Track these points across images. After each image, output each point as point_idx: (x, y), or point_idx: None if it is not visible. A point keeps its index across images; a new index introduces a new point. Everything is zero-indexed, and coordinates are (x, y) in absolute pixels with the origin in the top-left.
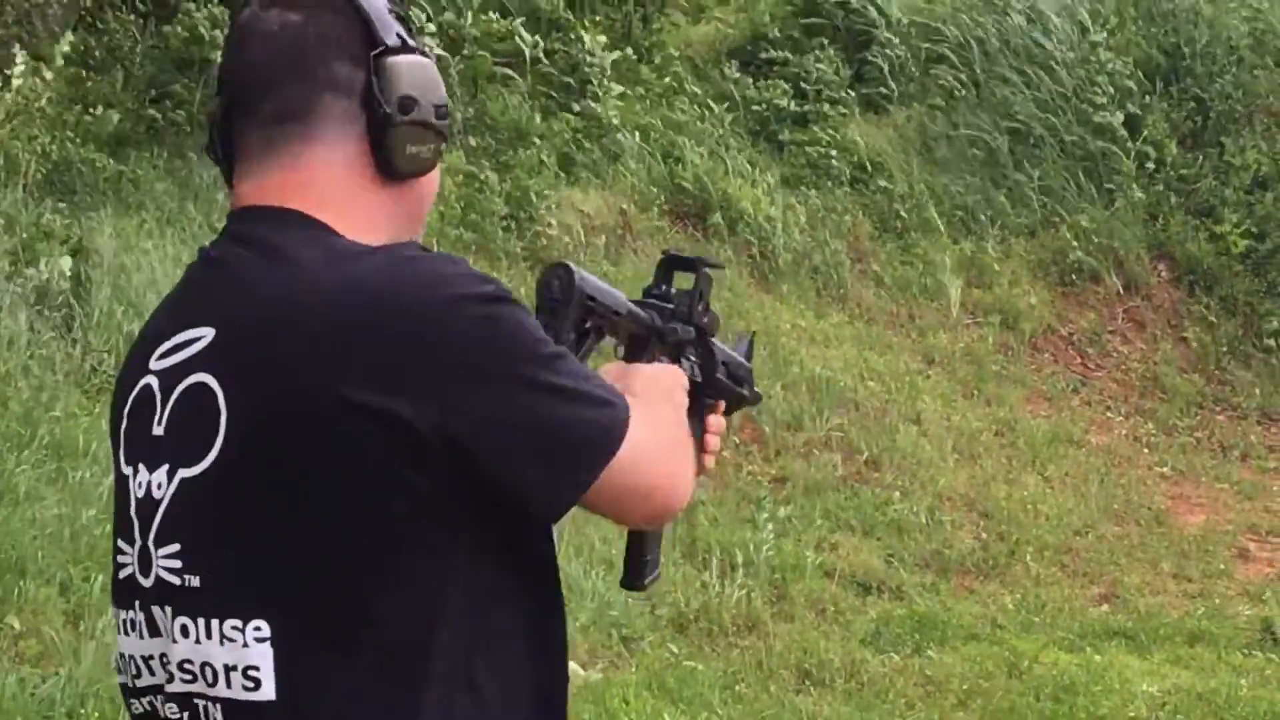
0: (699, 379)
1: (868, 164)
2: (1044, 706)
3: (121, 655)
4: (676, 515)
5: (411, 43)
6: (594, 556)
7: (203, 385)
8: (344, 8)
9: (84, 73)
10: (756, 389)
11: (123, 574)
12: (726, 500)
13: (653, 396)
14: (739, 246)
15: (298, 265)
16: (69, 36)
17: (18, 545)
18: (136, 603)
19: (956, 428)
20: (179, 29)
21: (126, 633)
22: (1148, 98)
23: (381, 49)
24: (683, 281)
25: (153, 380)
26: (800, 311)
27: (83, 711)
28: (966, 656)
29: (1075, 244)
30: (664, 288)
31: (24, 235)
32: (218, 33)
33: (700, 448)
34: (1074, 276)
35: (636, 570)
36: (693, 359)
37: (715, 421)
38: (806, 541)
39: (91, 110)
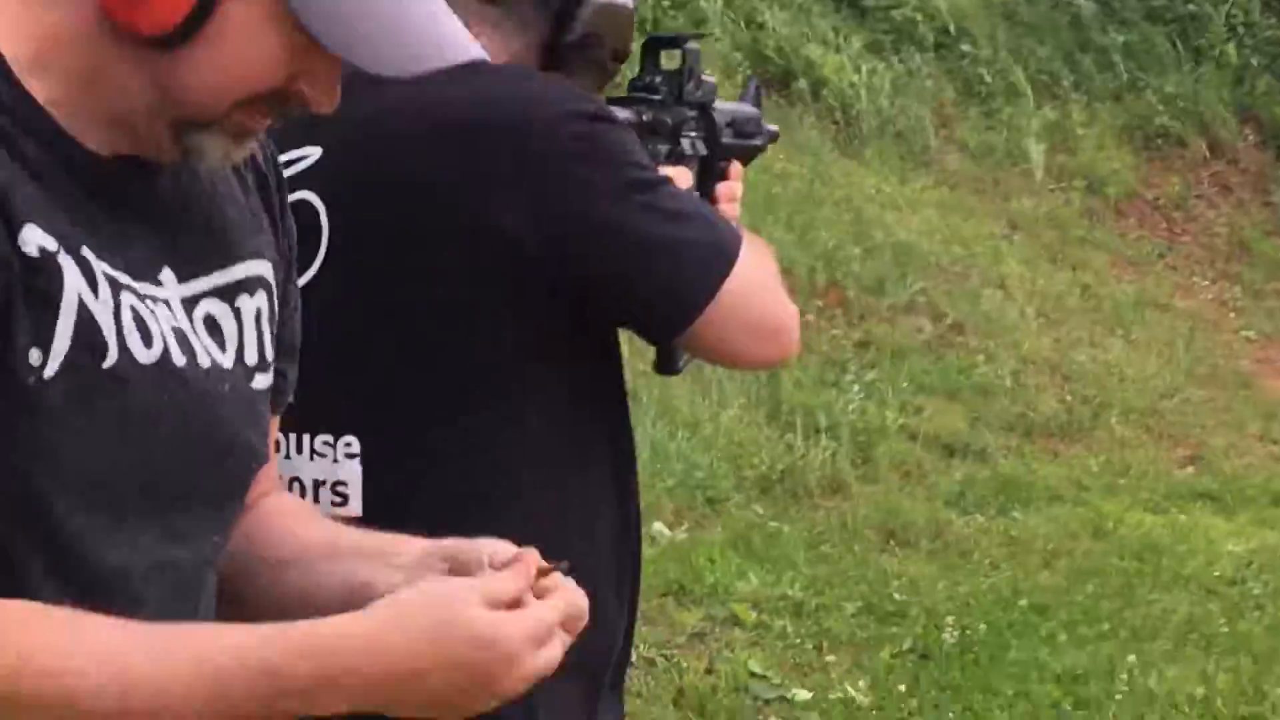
0: (704, 153)
1: (951, 28)
2: (1128, 566)
3: None
4: (790, 358)
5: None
6: (678, 419)
7: (305, 203)
8: None
9: None
10: (770, 126)
11: None
12: (810, 364)
13: None
14: (822, 113)
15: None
16: None
17: None
18: None
19: (1040, 292)
20: None
21: None
22: None
23: None
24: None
25: None
26: (884, 177)
27: None
28: (1050, 518)
29: (1161, 108)
30: (649, 78)
31: None
32: None
33: None
34: (1159, 141)
35: (668, 357)
36: (692, 134)
37: (726, 189)
38: (891, 404)
39: None
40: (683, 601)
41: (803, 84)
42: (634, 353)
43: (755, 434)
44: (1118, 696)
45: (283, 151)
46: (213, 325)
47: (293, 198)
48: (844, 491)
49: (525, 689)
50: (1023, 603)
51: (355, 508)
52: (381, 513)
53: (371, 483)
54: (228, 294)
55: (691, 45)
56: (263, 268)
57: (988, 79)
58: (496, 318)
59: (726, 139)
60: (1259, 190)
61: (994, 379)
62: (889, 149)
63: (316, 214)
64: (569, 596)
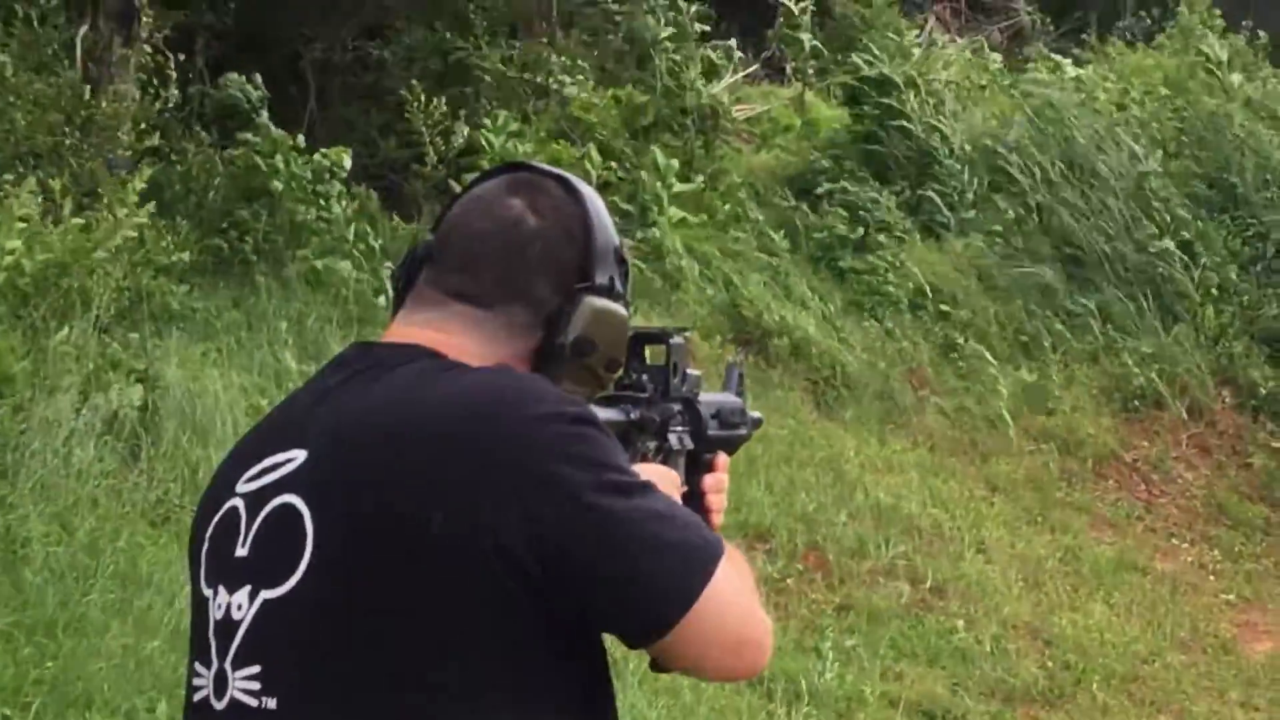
0: (691, 446)
1: (927, 290)
2: None
3: None
4: (758, 672)
5: (619, 289)
6: (659, 687)
7: (289, 507)
8: (577, 235)
9: (158, 206)
10: (753, 414)
11: (197, 697)
12: (790, 628)
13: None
14: (801, 373)
15: (393, 382)
16: (144, 174)
17: (83, 676)
18: None
19: (1021, 555)
20: (238, 164)
21: None
22: (1201, 224)
23: (588, 285)
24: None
25: (239, 502)
26: (864, 438)
27: None
28: None
29: (1137, 370)
30: (636, 375)
31: (92, 365)
32: (275, 160)
33: (704, 511)
34: (1137, 402)
35: None
36: (679, 429)
37: (713, 481)
38: (870, 670)
39: (164, 242)
40: None
41: (781, 345)
42: None
43: (737, 701)
44: None
45: (267, 455)
46: None
47: (277, 501)
48: None
49: None
50: None
51: None
52: None
53: None
54: None
55: (676, 340)
56: None
57: (963, 341)
58: (483, 618)
59: (712, 431)
60: (1237, 453)
61: (974, 644)
62: (869, 410)
63: (301, 517)
64: None
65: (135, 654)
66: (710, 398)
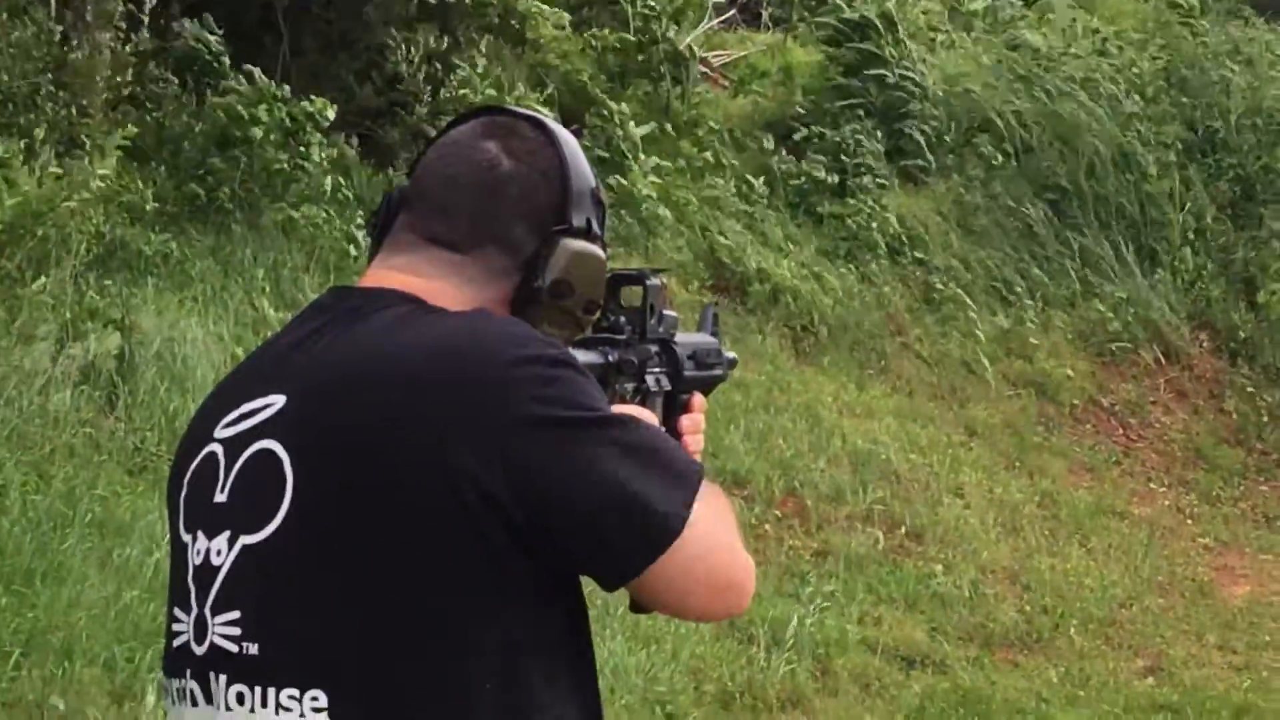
0: (669, 388)
1: (905, 236)
2: None
3: None
4: (739, 613)
5: (596, 231)
6: (640, 634)
7: (268, 452)
8: (554, 175)
9: (133, 155)
10: (729, 354)
11: (177, 642)
12: (769, 574)
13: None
14: (779, 320)
15: (370, 327)
16: (124, 131)
17: (62, 625)
18: (189, 671)
19: (998, 500)
20: (219, 111)
21: (176, 701)
22: (1189, 169)
23: (565, 228)
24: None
25: (217, 448)
26: (842, 384)
27: None
28: None
29: (1114, 315)
30: (613, 317)
31: (69, 314)
32: (258, 109)
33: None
34: (1113, 347)
35: None
36: (657, 370)
37: (689, 423)
38: (850, 615)
39: (140, 190)
40: None
41: (759, 290)
42: None
43: (716, 648)
44: None
45: (244, 400)
46: None
47: (256, 447)
48: (804, 705)
49: None
50: None
51: None
52: None
53: None
54: None
55: (653, 282)
56: None
57: (941, 286)
58: (463, 563)
59: (689, 371)
60: (1214, 397)
61: (953, 588)
62: (846, 355)
63: (280, 462)
64: None
65: (114, 603)
66: (686, 338)
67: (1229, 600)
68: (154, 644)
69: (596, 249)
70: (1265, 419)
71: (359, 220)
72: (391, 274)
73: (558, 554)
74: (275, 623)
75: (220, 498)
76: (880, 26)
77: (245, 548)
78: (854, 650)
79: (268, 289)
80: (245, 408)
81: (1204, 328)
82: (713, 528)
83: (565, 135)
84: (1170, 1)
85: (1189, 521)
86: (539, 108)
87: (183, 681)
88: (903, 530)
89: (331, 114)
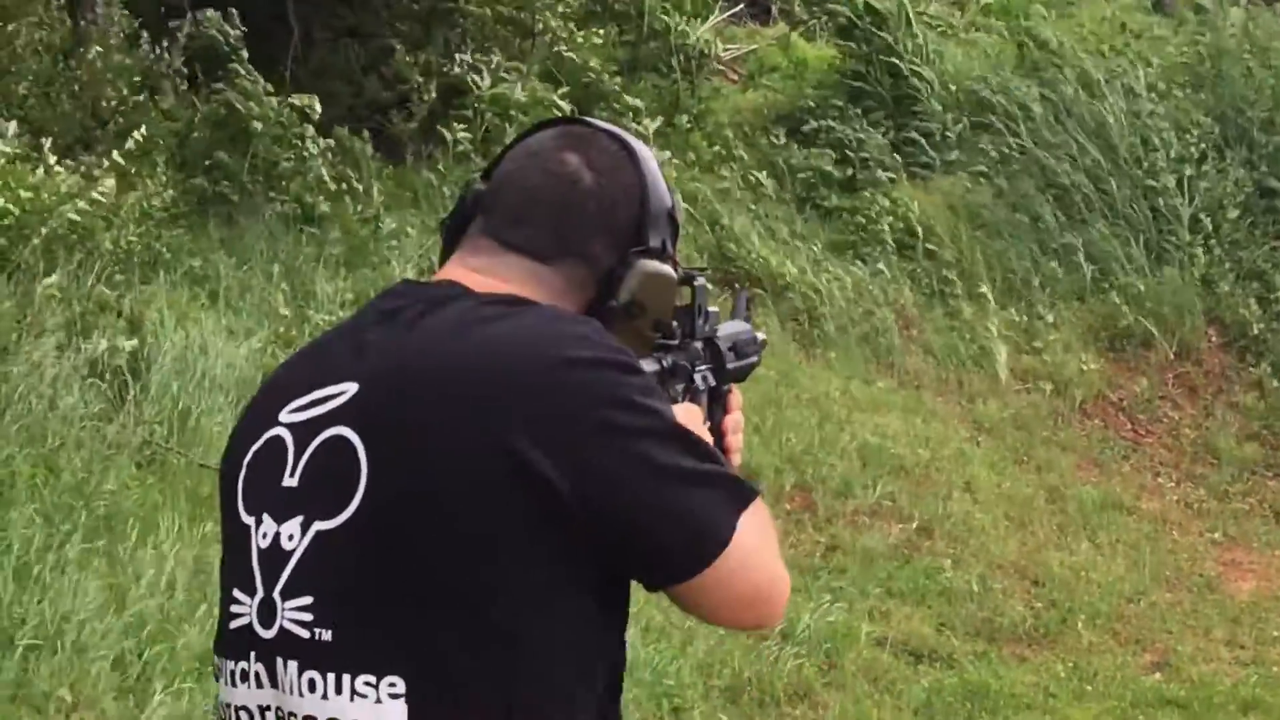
0: (714, 384)
1: (914, 231)
2: None
3: (227, 705)
4: (771, 627)
5: (669, 251)
6: (651, 626)
7: (342, 439)
8: (633, 194)
9: (143, 150)
10: (759, 335)
11: (235, 624)
12: None
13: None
14: (786, 314)
15: (446, 320)
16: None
17: (70, 618)
18: (253, 654)
19: (1007, 495)
20: (219, 107)
21: (235, 684)
22: (1205, 165)
23: (642, 249)
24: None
25: (283, 432)
26: (851, 379)
27: None
28: None
29: (1125, 309)
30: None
31: (79, 308)
32: (253, 104)
33: (724, 451)
34: (1124, 342)
35: None
36: (703, 368)
37: (731, 422)
38: (858, 610)
39: (149, 185)
40: None
41: (766, 285)
42: None
43: (728, 642)
44: None
45: (314, 387)
46: None
47: (329, 433)
48: (811, 699)
49: None
50: None
51: None
52: None
53: None
54: None
55: (700, 282)
56: None
57: (951, 280)
58: (530, 561)
59: (731, 364)
60: (1224, 391)
61: (961, 583)
62: (854, 350)
63: (355, 450)
64: None
65: (123, 596)
66: (725, 330)
67: (1237, 595)
68: (161, 637)
69: (670, 270)
70: (1275, 415)
71: (370, 211)
72: (470, 274)
73: (612, 554)
74: (350, 609)
75: (290, 481)
76: (894, 16)
77: (319, 533)
78: (862, 645)
79: (281, 283)
80: (317, 394)
81: (1214, 323)
82: (757, 542)
83: (644, 152)
84: None
85: (1197, 517)
86: (607, 122)
87: (245, 664)
88: (912, 525)
89: (318, 107)
